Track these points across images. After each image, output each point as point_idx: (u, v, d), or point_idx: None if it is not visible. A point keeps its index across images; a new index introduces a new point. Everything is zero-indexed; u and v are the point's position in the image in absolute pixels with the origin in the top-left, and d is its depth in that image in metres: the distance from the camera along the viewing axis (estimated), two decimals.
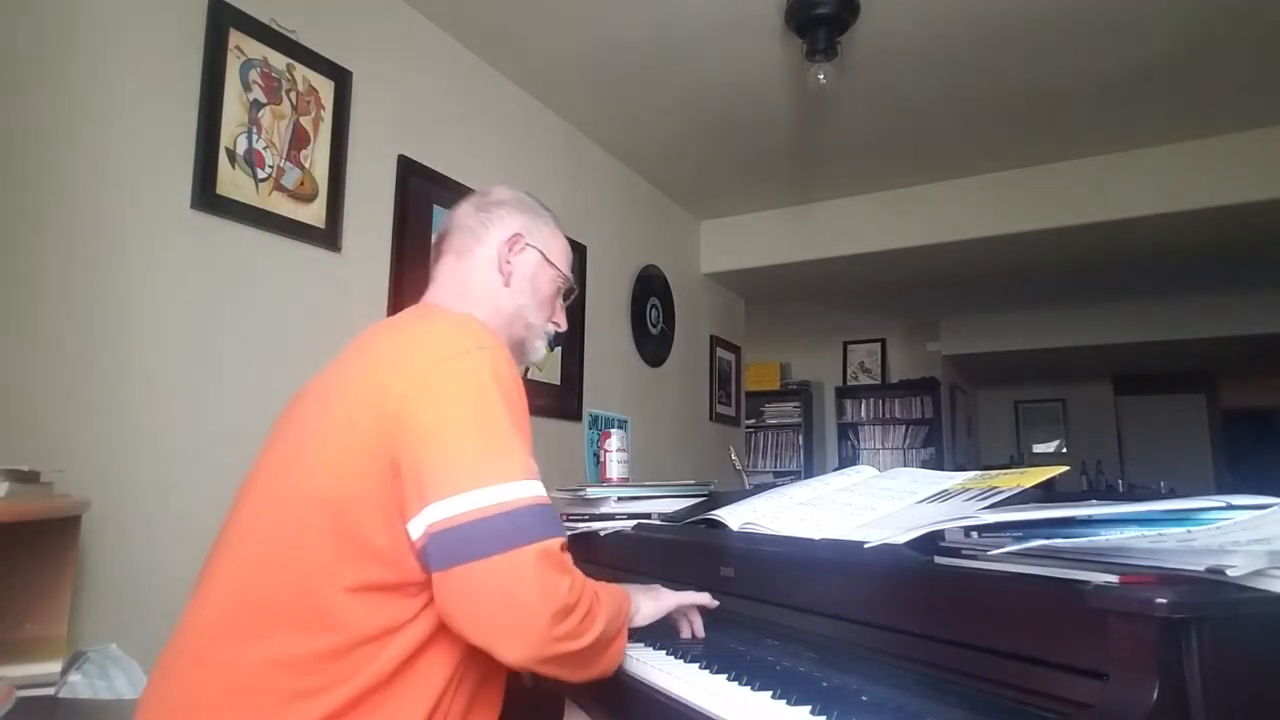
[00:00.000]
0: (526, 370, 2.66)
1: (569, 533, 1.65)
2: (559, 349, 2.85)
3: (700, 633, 1.18)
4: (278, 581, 0.85)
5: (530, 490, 0.85)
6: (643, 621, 1.09)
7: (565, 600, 0.82)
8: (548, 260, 1.19)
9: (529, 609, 0.80)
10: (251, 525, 0.91)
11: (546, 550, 0.82)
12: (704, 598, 1.19)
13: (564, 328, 1.25)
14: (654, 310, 3.54)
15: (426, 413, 0.86)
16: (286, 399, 1.06)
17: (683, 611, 1.18)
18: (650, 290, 3.52)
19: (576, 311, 2.94)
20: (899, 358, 6.73)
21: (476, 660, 0.91)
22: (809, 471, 6.41)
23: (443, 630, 0.87)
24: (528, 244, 1.17)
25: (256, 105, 1.80)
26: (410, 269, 2.18)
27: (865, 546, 0.90)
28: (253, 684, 0.82)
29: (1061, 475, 1.06)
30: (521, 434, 0.90)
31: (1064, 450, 7.43)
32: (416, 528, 0.83)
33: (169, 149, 1.64)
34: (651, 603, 1.12)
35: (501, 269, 1.15)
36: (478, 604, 0.81)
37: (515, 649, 0.81)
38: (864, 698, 0.86)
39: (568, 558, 0.87)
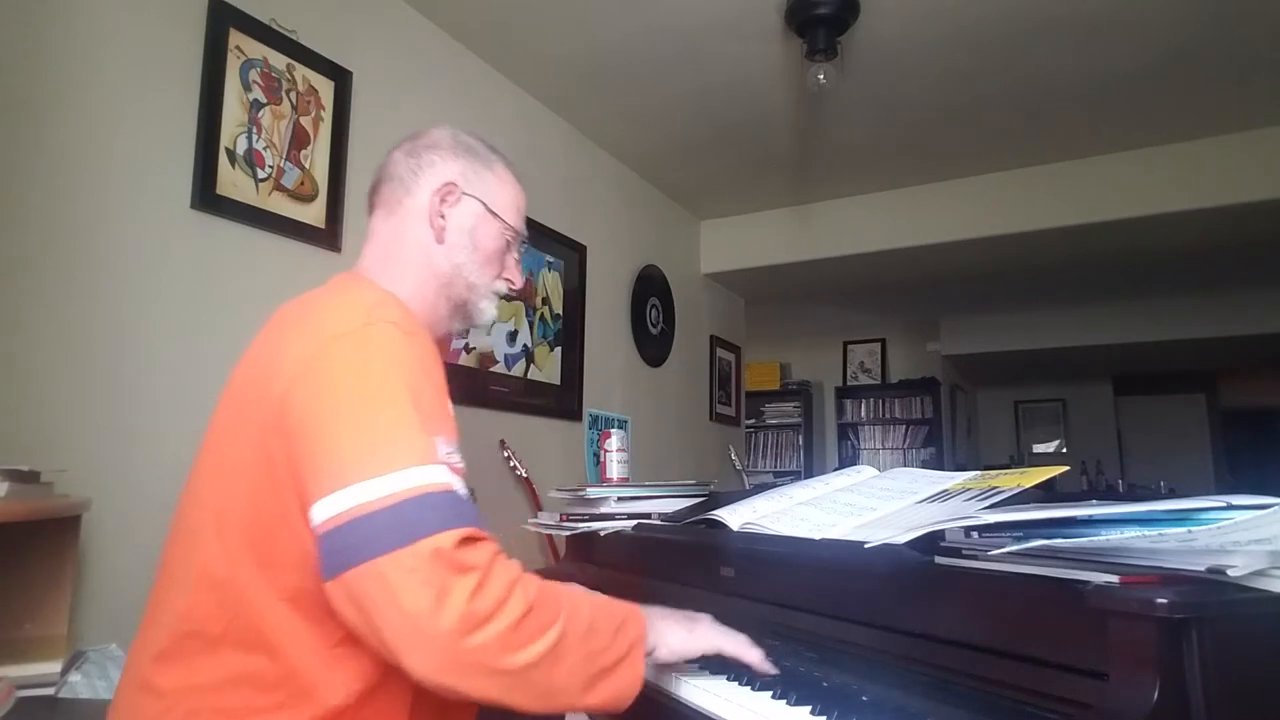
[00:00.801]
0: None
1: (569, 533, 1.66)
2: (559, 348, 2.85)
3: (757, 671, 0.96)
4: (211, 602, 0.80)
5: (420, 478, 0.74)
6: (669, 657, 0.90)
7: (469, 601, 0.70)
8: (490, 211, 1.05)
9: (420, 616, 0.68)
10: (180, 545, 0.87)
11: (440, 547, 0.70)
12: (756, 658, 0.95)
13: (518, 284, 1.11)
14: (654, 310, 3.54)
15: (305, 404, 0.78)
16: None
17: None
18: (650, 290, 3.52)
19: (577, 311, 2.94)
20: (899, 358, 6.72)
21: None
22: (809, 471, 6.41)
23: None
24: (464, 194, 1.03)
25: (256, 105, 1.80)
26: None
27: (865, 546, 0.90)
28: (203, 708, 0.78)
29: (1061, 475, 1.06)
30: (422, 412, 0.80)
31: (1064, 450, 7.43)
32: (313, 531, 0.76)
33: (169, 149, 1.63)
34: (683, 635, 0.92)
35: (433, 223, 1.02)
36: (368, 615, 0.70)
37: (419, 664, 0.69)
38: (864, 698, 0.86)
39: (479, 552, 0.74)
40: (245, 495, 0.82)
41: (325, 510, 0.73)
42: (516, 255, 1.10)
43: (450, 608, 0.69)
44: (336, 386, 0.79)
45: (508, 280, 1.10)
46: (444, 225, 1.02)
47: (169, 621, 0.83)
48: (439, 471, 0.76)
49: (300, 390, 0.80)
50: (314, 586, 0.75)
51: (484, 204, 1.05)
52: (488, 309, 1.08)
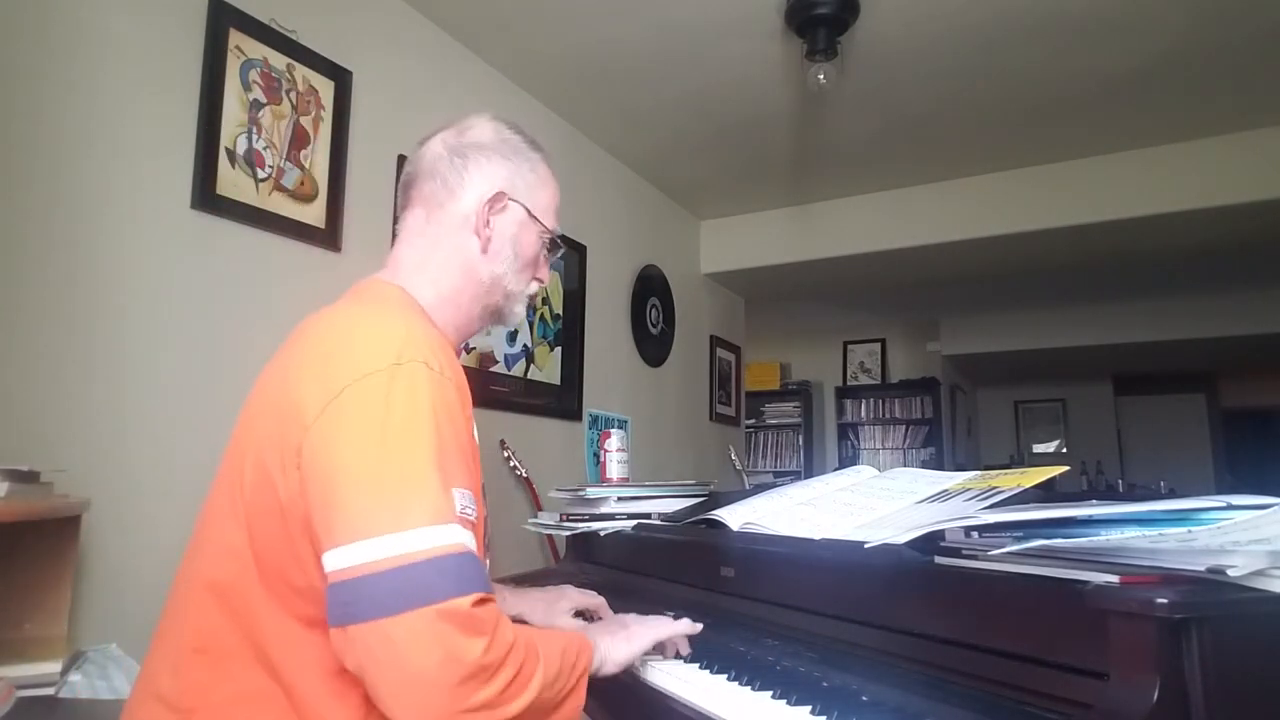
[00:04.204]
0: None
1: (569, 533, 1.66)
2: (559, 348, 2.85)
3: (685, 650, 1.10)
4: (221, 618, 0.82)
5: (434, 540, 0.74)
6: (614, 670, 0.96)
7: (476, 664, 0.71)
8: (532, 216, 1.04)
9: (424, 678, 0.70)
10: (195, 560, 0.87)
11: (450, 611, 0.71)
12: (684, 626, 1.06)
13: (546, 281, 1.13)
14: (654, 310, 3.54)
15: (323, 447, 0.77)
16: None
17: (664, 644, 1.07)
18: (650, 290, 3.52)
19: (577, 311, 2.94)
20: (899, 358, 6.73)
21: None
22: (809, 471, 6.41)
23: None
24: (510, 200, 1.02)
25: (256, 105, 1.80)
26: None
27: (865, 546, 0.90)
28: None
29: (1061, 475, 1.06)
30: (444, 461, 0.79)
31: (1064, 450, 7.43)
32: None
33: (169, 149, 1.63)
34: (623, 645, 0.98)
35: (479, 233, 1.00)
36: (371, 669, 0.71)
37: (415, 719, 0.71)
38: (864, 698, 0.86)
39: (487, 614, 0.75)
40: (258, 523, 0.82)
41: (336, 561, 0.73)
42: (548, 254, 1.11)
43: (456, 668, 0.70)
44: (356, 432, 0.77)
45: (539, 279, 1.10)
46: (490, 235, 1.01)
47: (181, 634, 0.83)
48: (452, 531, 0.76)
49: (320, 431, 0.78)
50: (324, 615, 0.76)
51: (527, 210, 1.04)
52: (520, 312, 1.09)
